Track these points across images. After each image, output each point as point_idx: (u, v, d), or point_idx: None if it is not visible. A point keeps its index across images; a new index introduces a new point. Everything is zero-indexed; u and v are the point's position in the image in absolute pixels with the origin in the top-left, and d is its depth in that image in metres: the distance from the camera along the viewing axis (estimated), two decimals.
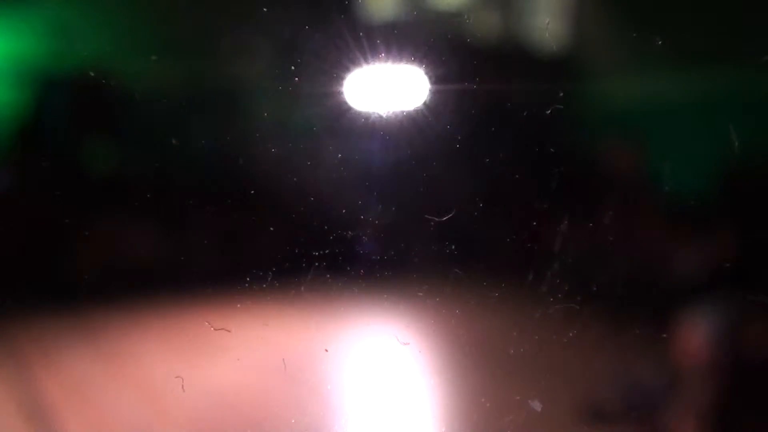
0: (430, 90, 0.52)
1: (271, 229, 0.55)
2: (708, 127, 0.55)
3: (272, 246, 0.55)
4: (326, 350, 0.54)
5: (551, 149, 0.54)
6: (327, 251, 0.53)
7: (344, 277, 0.54)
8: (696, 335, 0.58)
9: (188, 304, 0.60)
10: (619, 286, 0.59)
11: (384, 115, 0.52)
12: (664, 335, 0.58)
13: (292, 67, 0.51)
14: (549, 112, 0.53)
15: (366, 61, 0.51)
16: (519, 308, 0.57)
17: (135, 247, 0.62)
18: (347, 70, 0.51)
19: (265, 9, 0.50)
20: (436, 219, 0.53)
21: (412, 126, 0.52)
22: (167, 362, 0.61)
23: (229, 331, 0.53)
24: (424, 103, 0.52)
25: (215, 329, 0.52)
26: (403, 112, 0.52)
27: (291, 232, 0.56)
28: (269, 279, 0.53)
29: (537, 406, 0.54)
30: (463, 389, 0.62)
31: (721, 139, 0.51)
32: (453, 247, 0.55)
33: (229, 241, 0.59)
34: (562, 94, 0.52)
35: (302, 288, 0.54)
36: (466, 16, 0.59)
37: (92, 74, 0.55)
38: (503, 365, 0.57)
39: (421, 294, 0.56)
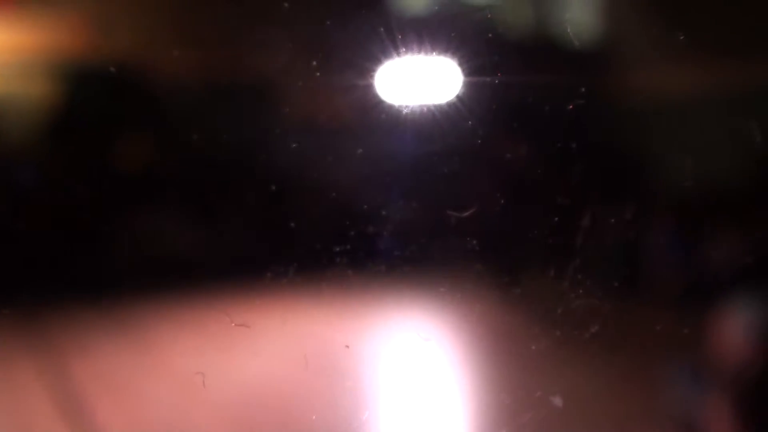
0: (462, 82, 0.52)
1: (292, 224, 0.55)
2: (739, 120, 0.55)
3: (293, 241, 0.55)
4: (347, 346, 0.54)
5: (575, 144, 0.54)
6: (348, 247, 0.53)
7: (365, 273, 0.54)
8: (726, 331, 0.58)
9: (209, 299, 0.60)
10: (641, 282, 0.59)
11: (416, 108, 0.51)
12: (686, 331, 0.57)
13: (313, 62, 0.51)
14: (571, 107, 0.52)
15: (398, 53, 0.50)
16: (540, 304, 0.57)
17: (157, 243, 0.62)
18: (378, 62, 0.51)
19: (294, 1, 0.50)
20: (458, 215, 0.53)
21: (444, 119, 0.51)
22: (190, 356, 0.61)
23: (249, 327, 0.53)
24: (457, 96, 0.52)
25: (236, 325, 0.52)
26: (435, 105, 0.52)
27: (312, 227, 0.55)
28: (290, 275, 0.53)
29: (558, 402, 0.54)
30: (484, 385, 0.62)
31: (752, 132, 0.51)
32: (474, 242, 0.54)
33: (250, 237, 0.59)
34: (584, 89, 0.52)
35: (323, 284, 0.54)
36: (496, 9, 0.59)
37: (119, 68, 0.55)
38: (524, 361, 0.57)
39: (442, 290, 0.56)
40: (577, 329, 0.55)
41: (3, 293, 0.56)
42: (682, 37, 0.50)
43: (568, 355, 0.56)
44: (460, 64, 0.51)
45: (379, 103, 0.52)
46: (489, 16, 0.56)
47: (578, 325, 0.55)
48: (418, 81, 0.51)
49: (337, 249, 0.53)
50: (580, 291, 0.55)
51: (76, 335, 0.63)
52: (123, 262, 0.61)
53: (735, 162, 0.59)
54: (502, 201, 0.54)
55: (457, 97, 0.51)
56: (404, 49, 0.50)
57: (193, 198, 0.59)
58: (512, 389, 0.57)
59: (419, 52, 0.51)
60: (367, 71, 0.51)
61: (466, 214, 0.53)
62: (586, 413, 0.58)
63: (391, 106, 0.52)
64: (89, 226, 0.57)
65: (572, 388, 0.55)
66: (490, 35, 0.53)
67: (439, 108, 0.52)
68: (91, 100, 0.60)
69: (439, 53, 0.51)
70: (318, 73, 0.51)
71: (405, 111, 0.51)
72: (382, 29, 0.50)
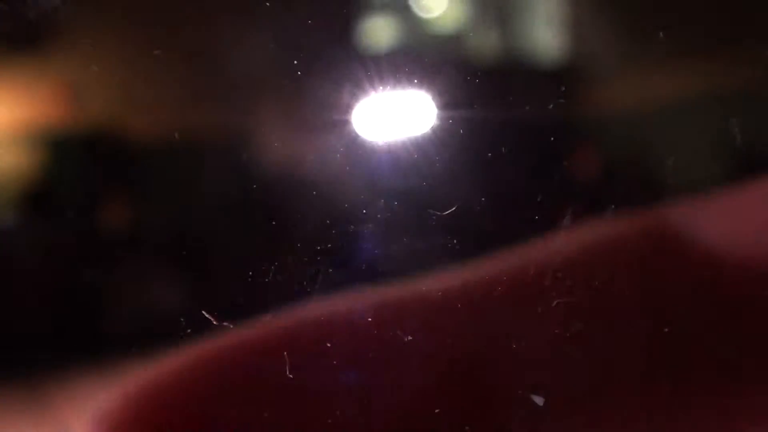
0: (437, 116, 0.52)
1: (273, 223, 0.55)
2: (711, 124, 0.56)
3: (274, 240, 0.55)
4: (328, 345, 0.55)
5: (553, 152, 0.54)
6: (329, 246, 0.53)
7: (345, 272, 0.54)
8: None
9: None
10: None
11: (391, 142, 0.52)
12: (666, 330, 0.58)
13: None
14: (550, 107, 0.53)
15: (371, 88, 0.51)
16: (521, 303, 0.57)
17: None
18: (353, 98, 0.51)
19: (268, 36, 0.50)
20: (439, 213, 0.53)
21: (419, 152, 0.52)
22: None
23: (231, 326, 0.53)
24: (431, 129, 0.52)
25: (217, 323, 0.53)
26: (410, 138, 0.52)
27: (293, 227, 0.56)
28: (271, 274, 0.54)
29: (539, 400, 0.54)
30: (464, 382, 0.62)
31: (725, 135, 0.51)
32: (455, 241, 0.55)
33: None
34: (561, 112, 0.53)
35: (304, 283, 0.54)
36: (466, 38, 0.60)
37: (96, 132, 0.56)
38: (505, 359, 0.57)
39: (423, 289, 0.56)
40: (558, 328, 0.55)
41: None
42: (656, 45, 0.51)
43: (549, 354, 0.57)
44: (434, 97, 0.51)
45: (356, 138, 0.52)
46: (460, 45, 0.57)
47: (559, 324, 0.55)
48: (393, 115, 0.52)
49: (318, 248, 0.54)
50: (562, 290, 0.55)
51: (76, 398, 0.63)
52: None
53: (714, 164, 0.59)
54: (481, 200, 0.54)
55: (432, 129, 0.52)
56: (377, 84, 0.51)
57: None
58: (493, 387, 0.58)
59: (393, 86, 0.51)
60: (342, 107, 0.51)
61: (446, 213, 0.53)
62: (567, 412, 0.58)
63: (367, 141, 0.52)
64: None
65: (553, 386, 0.56)
66: (463, 65, 0.54)
67: (415, 141, 0.52)
68: (71, 165, 0.60)
69: (413, 86, 0.51)
70: (294, 111, 0.52)
71: (382, 145, 0.52)
72: (353, 65, 0.50)
